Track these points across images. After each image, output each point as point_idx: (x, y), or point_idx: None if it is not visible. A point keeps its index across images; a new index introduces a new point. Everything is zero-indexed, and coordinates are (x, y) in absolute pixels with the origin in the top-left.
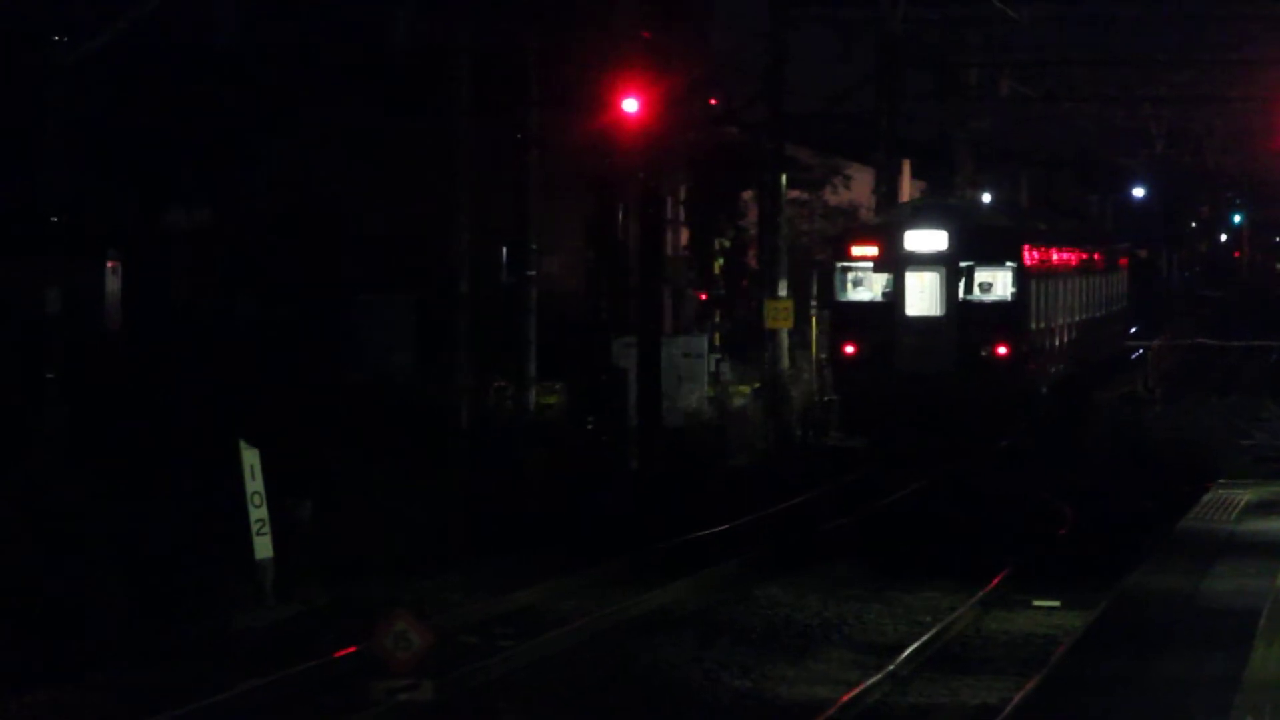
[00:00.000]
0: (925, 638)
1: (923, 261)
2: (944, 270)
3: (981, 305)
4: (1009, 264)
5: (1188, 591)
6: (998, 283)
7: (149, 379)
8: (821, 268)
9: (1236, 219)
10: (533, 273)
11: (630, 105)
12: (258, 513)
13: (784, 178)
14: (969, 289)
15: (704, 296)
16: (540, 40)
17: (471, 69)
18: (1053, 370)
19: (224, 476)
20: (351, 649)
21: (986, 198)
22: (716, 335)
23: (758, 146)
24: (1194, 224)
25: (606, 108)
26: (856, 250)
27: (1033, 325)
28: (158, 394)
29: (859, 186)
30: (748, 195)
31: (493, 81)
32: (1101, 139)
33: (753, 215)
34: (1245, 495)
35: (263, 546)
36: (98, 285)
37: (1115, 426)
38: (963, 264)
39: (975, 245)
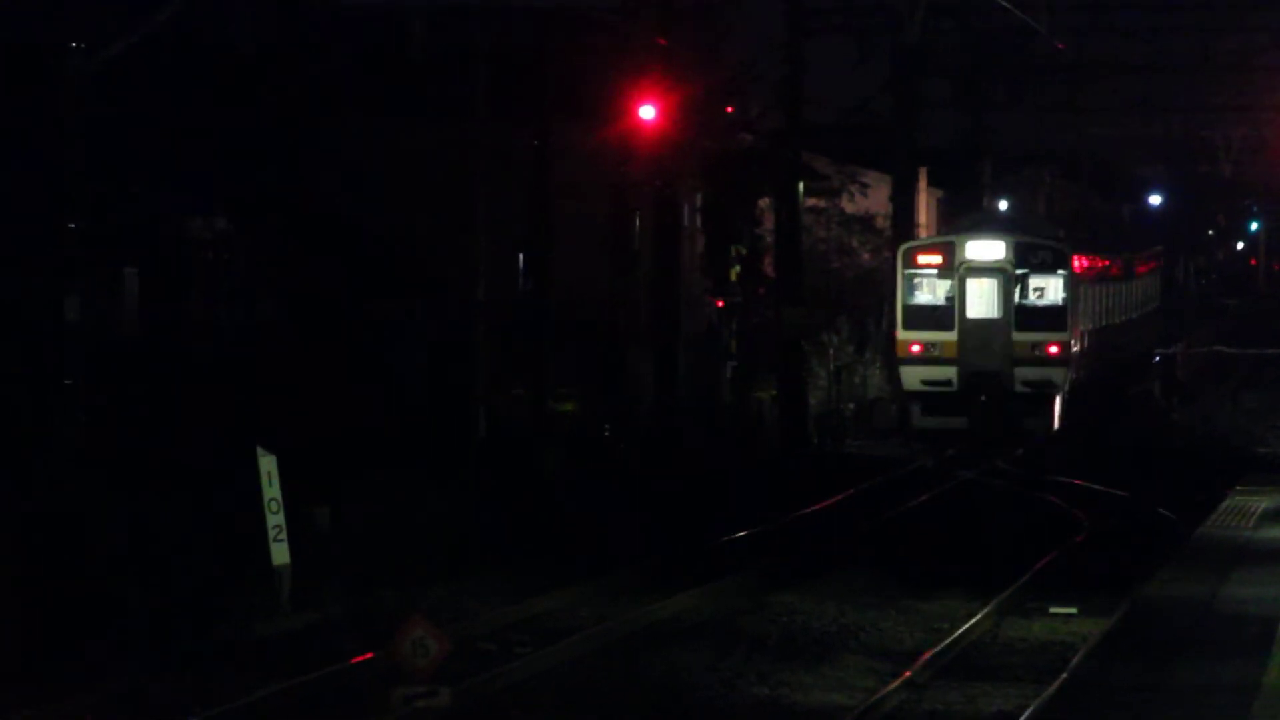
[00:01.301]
0: (942, 645)
1: (982, 269)
2: (1001, 277)
3: (1035, 308)
4: (1060, 272)
5: (1205, 599)
6: (1049, 289)
7: (167, 386)
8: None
9: (1253, 227)
10: (549, 281)
11: (647, 112)
12: (275, 519)
13: (801, 186)
14: (1023, 294)
15: (720, 304)
16: (557, 47)
17: (488, 76)
18: (1096, 366)
19: (242, 483)
20: (369, 655)
21: (1003, 205)
22: (733, 342)
23: (775, 154)
24: (1210, 232)
25: (623, 115)
26: (922, 259)
27: (1081, 326)
28: (176, 401)
29: (876, 194)
30: (764, 203)
31: (509, 89)
32: (1119, 147)
33: (769, 223)
34: (1262, 503)
35: (280, 553)
36: (117, 293)
37: (1139, 431)
38: (1018, 272)
39: (1029, 255)
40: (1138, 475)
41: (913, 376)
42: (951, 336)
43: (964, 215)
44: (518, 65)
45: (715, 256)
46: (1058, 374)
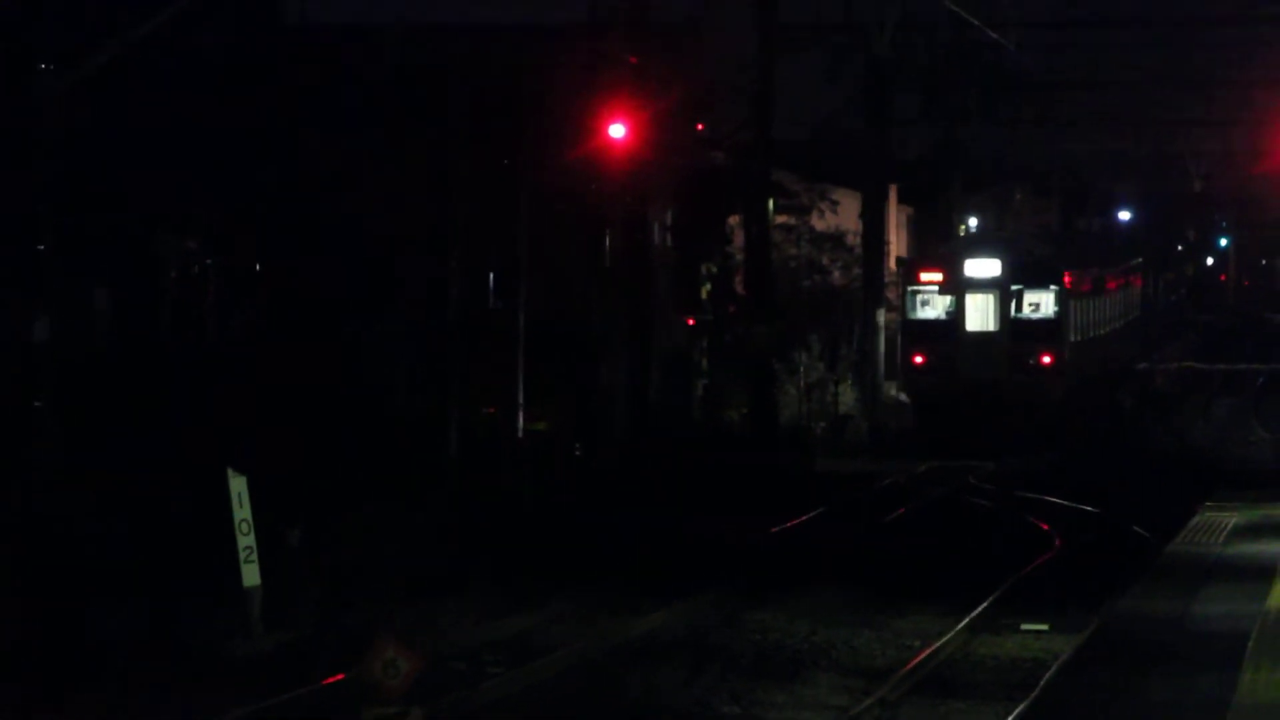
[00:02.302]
0: (914, 662)
1: (980, 286)
2: (997, 293)
3: (1029, 322)
4: (1052, 287)
5: (1176, 615)
6: (1043, 303)
7: (140, 404)
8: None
9: (1223, 242)
10: (520, 300)
11: (617, 131)
12: (245, 540)
13: (771, 203)
14: (1019, 308)
15: (691, 322)
16: (529, 65)
17: (460, 94)
18: (1085, 374)
19: (215, 502)
20: (340, 676)
21: (974, 222)
22: (704, 360)
23: (745, 172)
24: (1180, 247)
25: (594, 133)
26: (924, 276)
27: (1071, 338)
28: (149, 419)
29: (846, 211)
30: (734, 220)
31: (481, 107)
32: (1090, 162)
33: (740, 241)
34: (1233, 518)
35: (251, 574)
36: (87, 313)
37: (1113, 446)
38: (1013, 287)
39: (1023, 271)
40: (1109, 491)
41: (916, 386)
42: (952, 348)
43: (932, 233)
44: (490, 83)
45: (686, 274)
46: (1051, 383)
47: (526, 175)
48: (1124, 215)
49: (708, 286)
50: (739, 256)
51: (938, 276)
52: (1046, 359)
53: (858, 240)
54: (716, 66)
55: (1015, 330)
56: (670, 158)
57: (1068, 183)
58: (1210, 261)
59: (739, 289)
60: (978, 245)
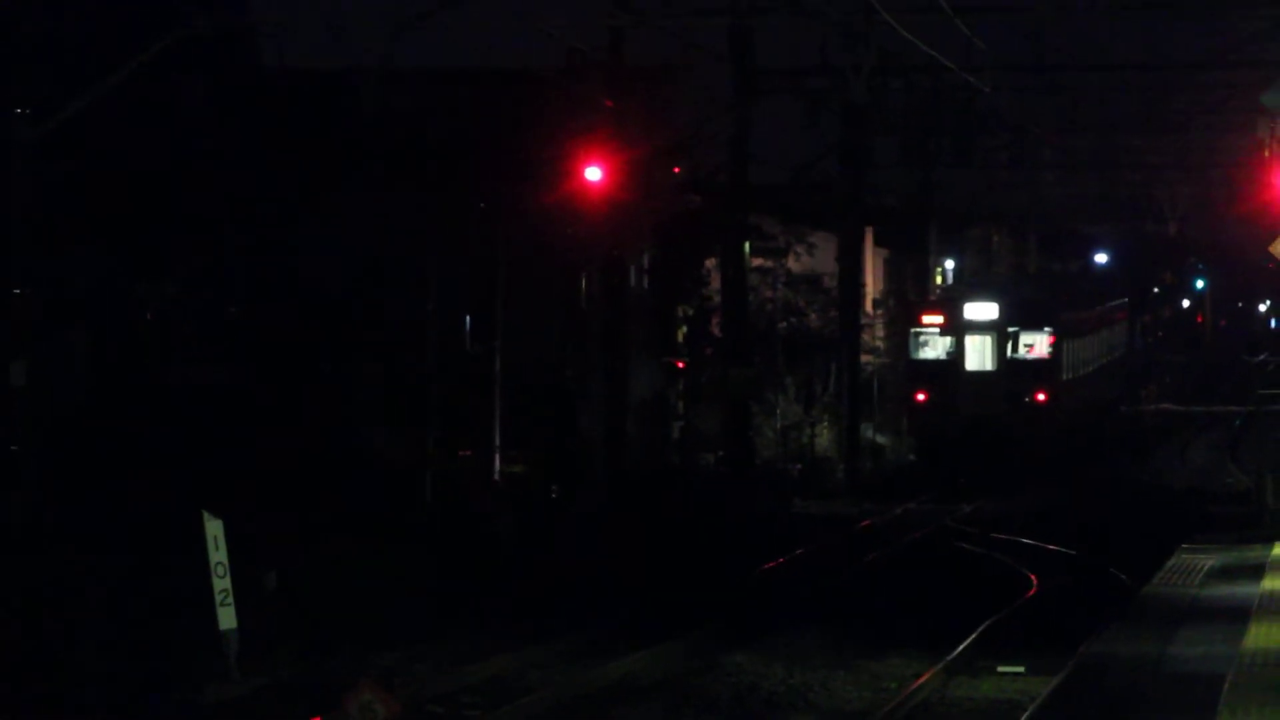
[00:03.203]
0: (891, 705)
1: (978, 328)
2: (995, 334)
3: (1025, 362)
4: (1046, 329)
5: (1153, 657)
6: (1037, 344)
7: (117, 449)
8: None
9: (1199, 284)
10: (497, 342)
11: (594, 174)
12: (221, 583)
13: (748, 246)
14: (1014, 349)
15: (670, 363)
16: (505, 109)
17: (436, 139)
18: (1077, 409)
19: (191, 546)
20: (318, 719)
21: (950, 264)
22: (680, 403)
23: (722, 215)
24: (1157, 290)
25: (570, 176)
26: (926, 319)
27: (1064, 377)
28: (126, 464)
29: (823, 254)
30: (711, 263)
31: (458, 150)
32: (1066, 206)
33: (716, 283)
34: (1209, 560)
35: (227, 617)
36: (65, 357)
37: (1092, 486)
38: (1010, 329)
39: (1019, 314)
40: (1086, 533)
41: (919, 421)
42: (953, 387)
43: (909, 275)
44: (467, 127)
45: (663, 316)
46: (1046, 419)
47: (503, 219)
48: (1100, 258)
49: (684, 329)
50: (716, 299)
51: (939, 319)
52: (1041, 396)
53: (834, 282)
54: (693, 110)
55: (1012, 369)
56: (647, 200)
57: (1044, 226)
58: (1187, 304)
59: (716, 331)
60: (976, 289)
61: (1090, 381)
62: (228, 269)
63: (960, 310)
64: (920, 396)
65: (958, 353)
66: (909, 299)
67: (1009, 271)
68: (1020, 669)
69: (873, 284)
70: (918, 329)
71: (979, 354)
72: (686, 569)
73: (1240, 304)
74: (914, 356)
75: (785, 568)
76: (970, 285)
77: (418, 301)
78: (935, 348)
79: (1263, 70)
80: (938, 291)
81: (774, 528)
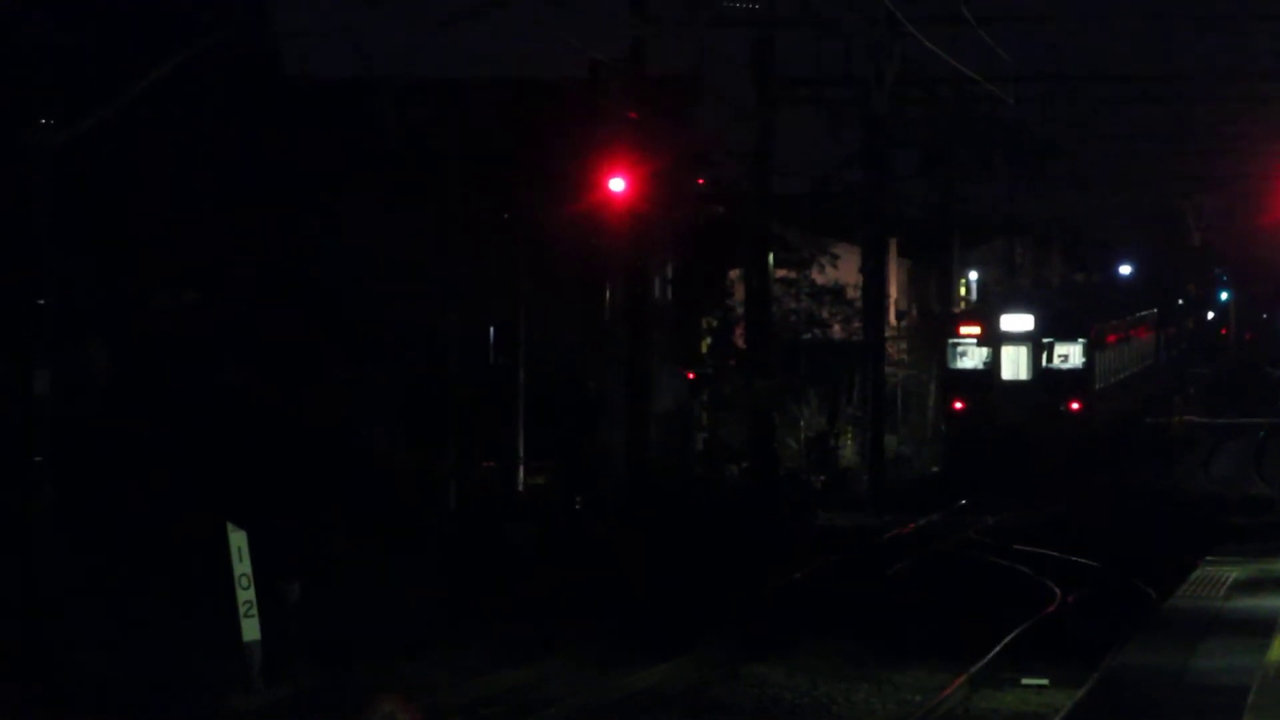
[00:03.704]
0: (914, 717)
1: (1014, 339)
2: (1030, 345)
3: (1059, 371)
4: (1079, 339)
5: (1176, 669)
6: (1071, 354)
7: (139, 459)
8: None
9: (1224, 296)
10: (520, 353)
11: (617, 185)
12: (245, 595)
13: (771, 257)
14: (1049, 359)
15: (691, 375)
16: (527, 120)
17: (459, 149)
18: (1108, 417)
19: (213, 557)
20: None
21: (974, 275)
22: (704, 414)
23: (745, 225)
24: (1181, 302)
25: (593, 187)
26: (964, 330)
27: (1096, 386)
28: (147, 473)
29: (846, 265)
30: (735, 274)
31: (480, 161)
32: (1090, 216)
33: (740, 294)
34: (1233, 573)
35: (250, 628)
36: (87, 366)
37: (1116, 498)
38: (1044, 340)
39: (1053, 325)
40: (1109, 544)
41: (956, 430)
42: (989, 396)
43: (933, 286)
44: (488, 138)
45: (686, 327)
46: (1079, 427)
47: (526, 229)
48: (1125, 269)
49: (708, 340)
50: (739, 310)
51: (976, 330)
52: (1075, 405)
53: (858, 294)
54: (716, 120)
55: (1046, 379)
56: (670, 211)
57: (1067, 237)
58: (1211, 315)
59: (739, 342)
60: (1012, 301)
61: (1120, 390)
62: (247, 279)
63: (996, 321)
64: (958, 405)
65: (994, 362)
66: (932, 310)
67: (1032, 283)
68: (1044, 681)
69: (897, 295)
70: (955, 339)
71: (1014, 364)
72: (709, 580)
73: (1265, 316)
74: (951, 366)
75: (808, 579)
76: (1005, 297)
77: (440, 313)
78: (972, 358)
79: None
80: (963, 303)
81: (797, 539)
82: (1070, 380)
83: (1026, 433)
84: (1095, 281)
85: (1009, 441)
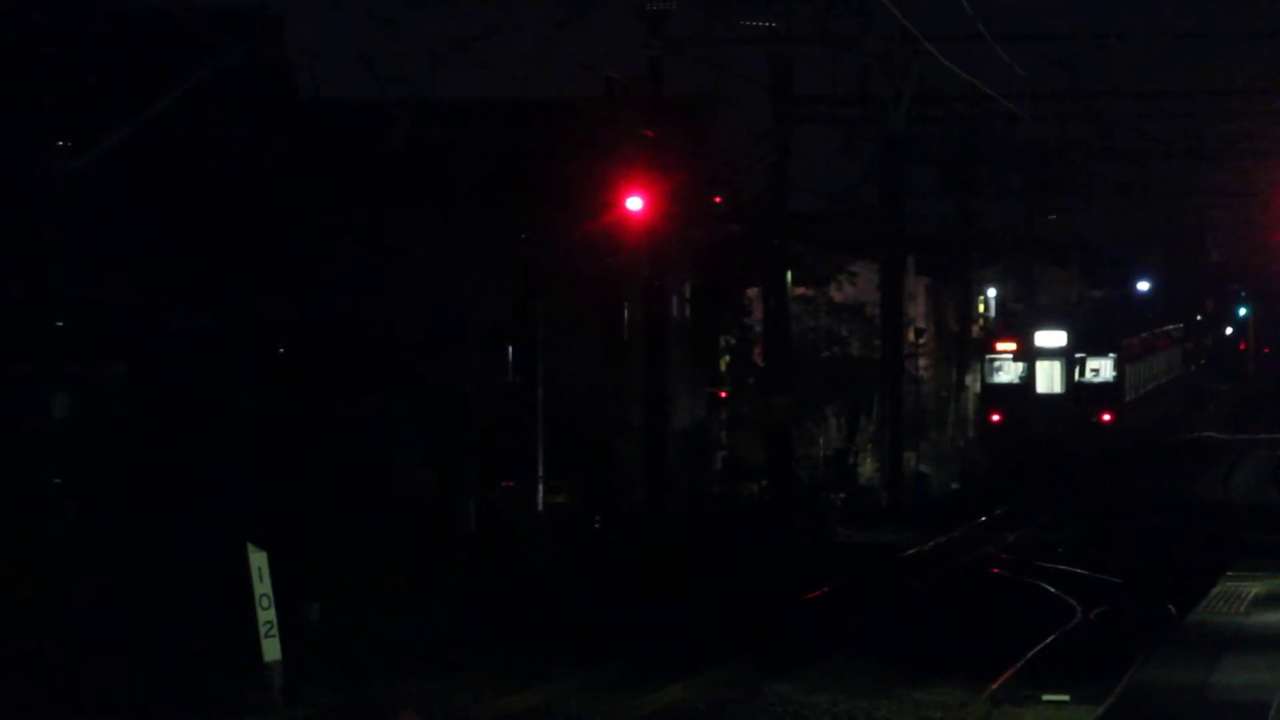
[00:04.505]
0: None
1: (1048, 354)
2: (1064, 360)
3: (1091, 385)
4: (1110, 354)
5: (1197, 685)
6: (1103, 368)
7: (157, 480)
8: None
9: (1241, 312)
10: (539, 372)
11: (634, 203)
12: (266, 615)
13: (789, 275)
14: (1082, 373)
15: (715, 393)
16: (544, 139)
17: (475, 168)
18: (1139, 426)
19: (233, 578)
20: None
21: (992, 292)
22: (723, 432)
23: (763, 244)
24: (1199, 317)
25: (611, 206)
26: (1000, 346)
27: (1127, 398)
28: (166, 495)
29: (864, 283)
30: (753, 292)
31: (497, 181)
32: (1105, 232)
33: (758, 313)
34: (1254, 588)
35: (271, 649)
36: (106, 388)
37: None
38: (1077, 355)
39: (1085, 341)
40: (1128, 561)
41: (994, 440)
42: (1025, 408)
43: (951, 303)
44: (505, 157)
45: (704, 346)
46: (1111, 437)
47: (543, 249)
48: (1142, 286)
49: (726, 358)
50: (757, 328)
51: (1012, 346)
52: (1106, 416)
53: (876, 311)
54: (732, 139)
55: (1079, 392)
56: (688, 230)
57: (1084, 253)
58: (1229, 331)
59: (758, 360)
60: (1045, 318)
61: (1150, 401)
62: (263, 300)
63: (1031, 337)
64: (995, 417)
65: (1029, 377)
66: (950, 328)
67: (1050, 300)
68: (1065, 698)
69: (915, 312)
70: (992, 355)
71: (1049, 378)
72: (728, 598)
73: None
74: (989, 380)
75: (827, 597)
76: (1039, 314)
77: (458, 333)
78: (1008, 372)
79: None
80: (981, 320)
81: (816, 556)
82: (1102, 393)
83: (1061, 443)
84: (1112, 298)
85: (1044, 451)
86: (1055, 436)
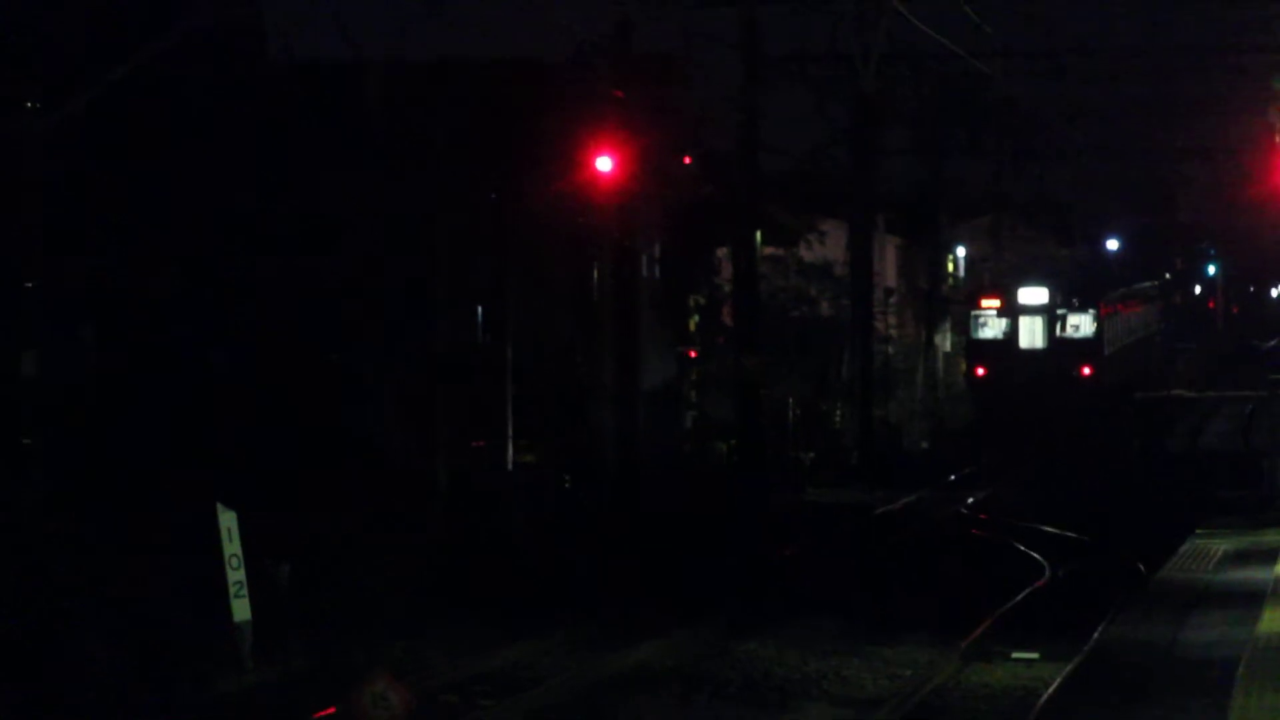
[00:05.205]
0: (905, 691)
1: (1030, 310)
2: (1045, 316)
3: (1072, 340)
4: (1090, 310)
5: (1166, 641)
6: (1083, 324)
7: (127, 439)
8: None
9: (1210, 270)
10: (508, 332)
11: (604, 164)
12: (235, 575)
13: (759, 235)
14: (1063, 329)
15: (682, 353)
16: (514, 100)
17: (446, 129)
18: (1118, 380)
19: (202, 537)
20: (331, 710)
21: (962, 251)
22: (692, 392)
23: (732, 204)
24: (1168, 275)
25: (581, 166)
26: (985, 303)
27: (1106, 352)
28: (136, 454)
29: (834, 242)
30: (723, 252)
31: (467, 141)
32: (1075, 191)
33: (727, 272)
34: (1223, 545)
35: (241, 609)
36: (75, 351)
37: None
38: (1058, 311)
39: (1066, 297)
40: (1098, 518)
41: (978, 393)
42: (1008, 363)
43: (921, 262)
44: (475, 118)
45: (674, 306)
46: (1091, 390)
47: (513, 209)
48: (1112, 244)
49: (696, 318)
50: (727, 288)
51: (996, 303)
52: (1086, 371)
53: (846, 271)
54: (703, 99)
55: (1060, 347)
56: (658, 190)
57: (1054, 212)
58: (1198, 289)
59: (727, 320)
60: (1028, 276)
61: (1128, 355)
62: (231, 260)
63: (1014, 294)
64: (980, 371)
65: (1012, 332)
66: (920, 287)
67: (1016, 259)
68: (1034, 655)
69: (885, 271)
70: (977, 311)
71: (1031, 333)
72: (698, 557)
73: (1252, 289)
74: (974, 336)
75: (797, 556)
76: (1023, 271)
77: (428, 293)
78: (992, 328)
79: (1272, 55)
80: (951, 280)
81: (786, 515)
82: (1082, 348)
83: (1043, 396)
84: (1084, 256)
85: (1025, 404)
86: (1037, 390)
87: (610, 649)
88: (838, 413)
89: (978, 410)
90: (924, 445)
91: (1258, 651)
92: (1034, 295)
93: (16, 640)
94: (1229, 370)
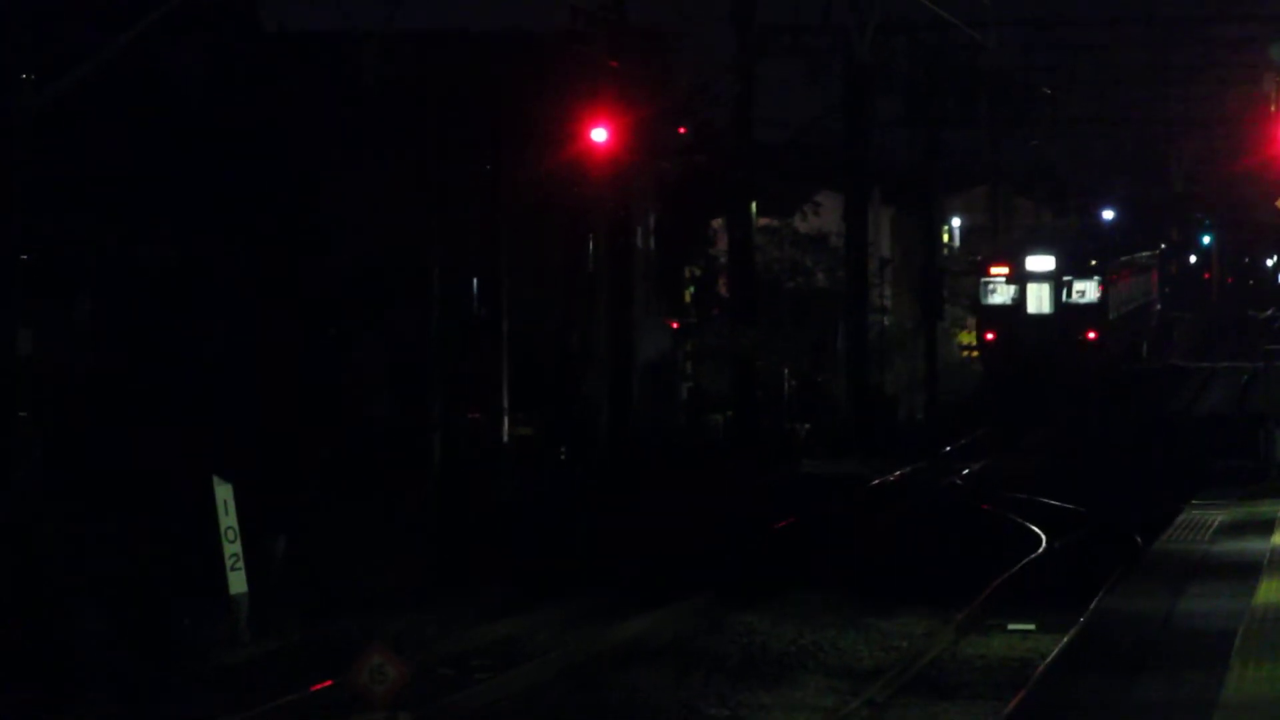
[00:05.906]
0: (901, 663)
1: (1038, 277)
2: (1052, 283)
3: (1077, 306)
4: (1095, 277)
5: (1163, 613)
6: (1088, 290)
7: (123, 415)
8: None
9: (1205, 240)
10: (503, 304)
11: (599, 135)
12: (232, 548)
13: (754, 206)
14: (1069, 295)
15: (675, 325)
16: (510, 71)
17: (441, 101)
18: (1120, 343)
19: (199, 510)
20: (328, 683)
21: (957, 221)
22: (688, 364)
23: (727, 175)
24: (1163, 246)
25: (576, 138)
26: (994, 270)
27: (1110, 317)
28: (132, 429)
29: (829, 213)
30: (718, 224)
31: (463, 113)
32: (1072, 161)
33: (723, 244)
34: (1219, 516)
35: (237, 582)
36: (71, 324)
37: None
38: (1065, 278)
39: (1072, 264)
40: (1095, 489)
41: (988, 356)
42: (1017, 327)
43: (916, 233)
44: (470, 89)
45: (670, 278)
46: (1095, 353)
47: (508, 181)
48: (1107, 214)
49: (691, 289)
50: (722, 259)
51: (1004, 270)
52: (1092, 335)
53: (841, 241)
54: (697, 69)
55: (1066, 312)
56: (653, 161)
57: (1050, 183)
58: (1193, 259)
59: (723, 291)
60: (1035, 243)
61: (1130, 320)
62: (226, 233)
63: (1022, 261)
64: (989, 336)
65: (1020, 298)
66: (915, 258)
67: (1014, 229)
68: (1031, 626)
69: (880, 242)
70: (986, 278)
71: (1038, 299)
72: (694, 530)
73: (1247, 259)
74: (984, 302)
75: (793, 528)
76: (1031, 239)
77: (423, 265)
78: (1001, 294)
79: (1267, 24)
80: (946, 250)
81: (782, 487)
82: (1087, 313)
83: (1049, 359)
84: (1082, 225)
85: (1034, 367)
86: (1044, 353)
87: (606, 622)
88: (834, 384)
89: (986, 374)
90: (919, 416)
91: (1255, 622)
92: (1041, 262)
93: (10, 611)
94: (1225, 340)
